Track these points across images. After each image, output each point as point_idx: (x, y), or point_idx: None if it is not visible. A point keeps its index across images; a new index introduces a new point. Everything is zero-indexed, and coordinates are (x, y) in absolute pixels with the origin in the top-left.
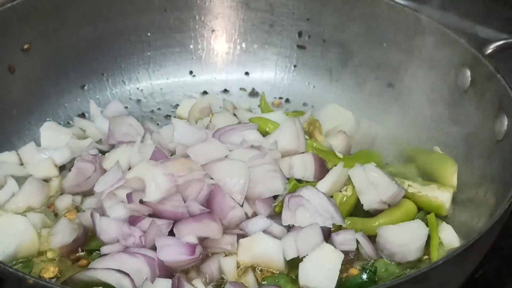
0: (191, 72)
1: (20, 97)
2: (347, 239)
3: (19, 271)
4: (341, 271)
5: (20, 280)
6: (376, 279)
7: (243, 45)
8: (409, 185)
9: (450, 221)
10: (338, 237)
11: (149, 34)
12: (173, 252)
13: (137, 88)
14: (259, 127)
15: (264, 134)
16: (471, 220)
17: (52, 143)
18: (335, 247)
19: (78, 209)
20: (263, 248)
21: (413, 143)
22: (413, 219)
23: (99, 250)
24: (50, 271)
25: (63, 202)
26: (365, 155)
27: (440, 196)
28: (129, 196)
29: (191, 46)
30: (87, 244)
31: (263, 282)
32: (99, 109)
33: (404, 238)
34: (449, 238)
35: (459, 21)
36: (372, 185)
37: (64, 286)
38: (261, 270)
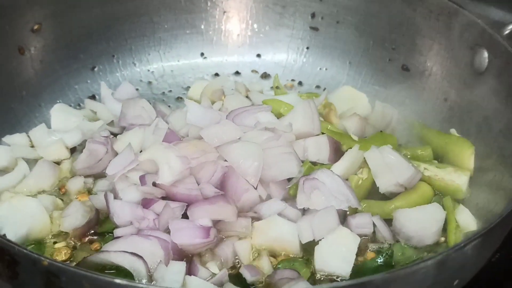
0: (202, 54)
1: (30, 78)
2: (363, 222)
3: (34, 252)
4: (357, 255)
5: (35, 262)
6: (393, 263)
7: (255, 26)
8: (425, 168)
9: (467, 204)
10: (355, 220)
11: (160, 15)
12: (187, 235)
13: (148, 70)
14: (273, 109)
15: (278, 116)
16: (488, 204)
17: (62, 125)
18: (351, 230)
19: (89, 191)
20: (278, 231)
21: (428, 125)
22: (430, 203)
23: (111, 233)
24: (62, 254)
25: (75, 185)
26: (381, 138)
27: (457, 179)
28: (142, 178)
29: (202, 28)
30: (100, 226)
31: (278, 266)
32: (109, 90)
33: (421, 222)
34: (466, 221)
35: (472, 3)
36: (388, 167)
37: (79, 267)
38: (276, 255)
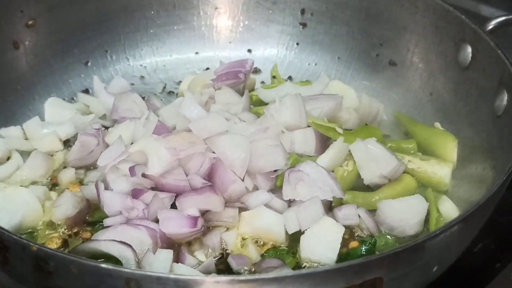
0: (194, 49)
1: (25, 72)
2: (349, 213)
3: (23, 238)
4: (341, 245)
5: (24, 247)
6: (376, 252)
7: (246, 22)
8: (409, 161)
9: (450, 196)
10: (340, 212)
11: (152, 11)
12: (175, 224)
13: (141, 65)
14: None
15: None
16: (471, 195)
17: (56, 118)
18: (337, 221)
19: (81, 182)
20: (265, 221)
21: (415, 119)
22: (414, 194)
23: (102, 222)
24: (54, 243)
25: (66, 176)
26: (366, 130)
27: (439, 171)
28: (131, 169)
29: (194, 23)
30: (91, 216)
31: (264, 254)
32: (102, 84)
33: (403, 213)
34: (449, 211)
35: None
36: (373, 159)
37: (67, 253)
38: (262, 243)
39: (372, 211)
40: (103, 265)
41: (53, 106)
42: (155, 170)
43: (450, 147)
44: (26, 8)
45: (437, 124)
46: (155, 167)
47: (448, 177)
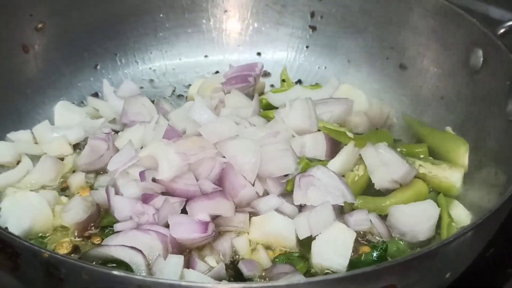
0: (203, 52)
1: (34, 76)
2: (360, 219)
3: (35, 244)
4: (353, 250)
5: (35, 254)
6: (388, 258)
7: (255, 25)
8: (420, 165)
9: (462, 201)
10: (352, 218)
11: (161, 15)
12: (185, 229)
13: (150, 68)
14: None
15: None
16: (483, 200)
17: (65, 122)
18: (349, 227)
19: (91, 187)
20: (275, 226)
21: (425, 123)
22: (425, 199)
23: (112, 227)
24: (64, 248)
25: (76, 180)
26: (377, 135)
27: (451, 176)
28: (142, 174)
29: (204, 27)
30: (101, 221)
31: (275, 260)
32: (112, 88)
33: (415, 218)
34: (461, 216)
35: (471, 2)
36: (384, 164)
37: (78, 260)
38: (273, 249)
39: (383, 216)
40: (115, 272)
41: (62, 110)
42: (165, 175)
43: (461, 152)
44: (35, 11)
45: (448, 129)
46: (165, 171)
47: (459, 182)
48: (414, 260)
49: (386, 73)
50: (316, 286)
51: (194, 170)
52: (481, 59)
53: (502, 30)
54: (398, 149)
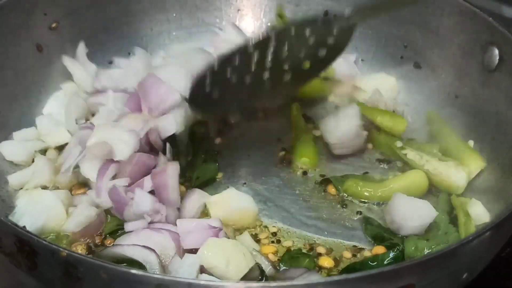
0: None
1: (48, 75)
2: None
3: (53, 243)
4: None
5: (53, 253)
6: (405, 258)
7: (269, 24)
8: (426, 161)
9: (480, 199)
10: None
11: (175, 13)
12: (196, 238)
13: None
14: None
15: None
16: (500, 199)
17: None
18: None
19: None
20: (235, 203)
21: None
22: (424, 190)
23: (118, 231)
24: (78, 250)
25: (64, 178)
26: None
27: (454, 175)
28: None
29: (217, 25)
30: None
31: (280, 264)
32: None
33: (408, 212)
34: (479, 214)
35: (484, 1)
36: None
37: (96, 259)
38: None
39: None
40: (133, 271)
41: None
42: (124, 155)
43: (475, 167)
44: (50, 10)
45: (471, 142)
46: (123, 152)
47: (463, 181)
48: (433, 260)
49: (400, 72)
50: (334, 285)
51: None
52: (497, 58)
53: None
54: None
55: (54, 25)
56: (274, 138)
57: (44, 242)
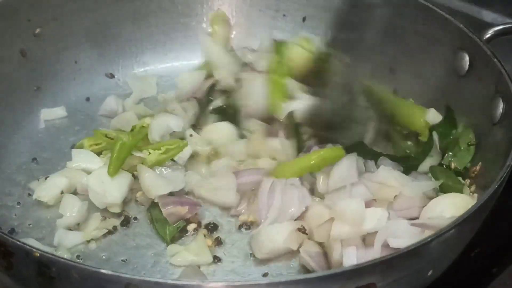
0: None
1: (32, 80)
2: None
3: (26, 244)
4: None
5: (27, 253)
6: None
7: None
8: None
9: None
10: None
11: (157, 19)
12: None
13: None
14: None
15: None
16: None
17: None
18: None
19: None
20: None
21: None
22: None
23: None
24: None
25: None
26: None
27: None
28: None
29: (199, 31)
30: None
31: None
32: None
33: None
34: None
35: (464, 5)
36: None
37: (68, 259)
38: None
39: None
40: (103, 271)
41: None
42: None
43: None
44: (34, 16)
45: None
46: None
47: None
48: (394, 259)
49: (375, 76)
50: (296, 285)
51: None
52: (468, 63)
53: (488, 35)
54: None
55: (37, 31)
56: None
57: (18, 242)
